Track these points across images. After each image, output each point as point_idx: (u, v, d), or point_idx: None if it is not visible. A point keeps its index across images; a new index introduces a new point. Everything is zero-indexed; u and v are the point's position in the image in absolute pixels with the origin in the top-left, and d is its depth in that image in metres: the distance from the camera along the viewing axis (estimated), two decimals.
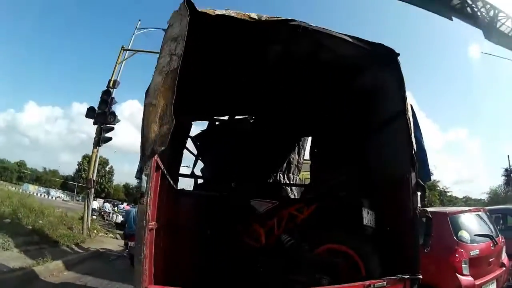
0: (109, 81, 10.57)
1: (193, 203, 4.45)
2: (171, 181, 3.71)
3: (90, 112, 10.03)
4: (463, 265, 4.05)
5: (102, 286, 5.65)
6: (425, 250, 2.72)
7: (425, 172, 3.05)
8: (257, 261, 3.53)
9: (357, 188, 3.28)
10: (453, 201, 35.63)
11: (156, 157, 2.29)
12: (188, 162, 5.84)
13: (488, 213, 5.20)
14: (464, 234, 4.34)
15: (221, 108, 5.22)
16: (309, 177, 5.70)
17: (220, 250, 4.17)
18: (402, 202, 2.85)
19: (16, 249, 6.21)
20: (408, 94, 2.98)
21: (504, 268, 4.76)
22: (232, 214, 4.12)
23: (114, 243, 11.29)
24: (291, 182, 5.91)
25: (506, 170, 31.84)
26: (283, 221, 3.65)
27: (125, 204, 32.34)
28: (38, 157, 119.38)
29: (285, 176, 5.86)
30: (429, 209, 3.07)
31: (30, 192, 26.15)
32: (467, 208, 5.29)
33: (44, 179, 62.81)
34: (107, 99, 9.98)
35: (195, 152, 5.63)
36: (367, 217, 2.96)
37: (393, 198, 3.02)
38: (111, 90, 10.36)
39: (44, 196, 38.80)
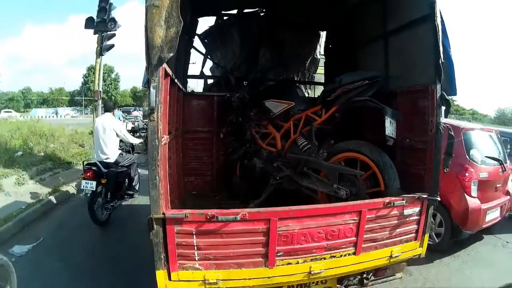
0: None
1: (204, 106, 4.36)
2: (180, 85, 3.53)
3: (89, 22, 9.60)
4: (472, 186, 3.98)
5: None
6: (444, 171, 2.59)
7: (451, 85, 2.80)
8: (273, 168, 3.40)
9: (378, 94, 2.92)
10: (460, 111, 34.55)
11: (164, 65, 2.09)
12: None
13: (499, 135, 4.91)
14: (475, 154, 4.18)
15: (229, 0, 4.81)
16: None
17: (233, 154, 4.12)
18: (424, 115, 2.70)
19: (32, 181, 6.40)
20: None
21: (509, 197, 4.72)
22: (244, 116, 3.93)
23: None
24: (308, 80, 5.61)
25: None
26: (300, 124, 3.36)
27: (134, 110, 33.26)
28: (44, 79, 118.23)
29: (301, 73, 5.51)
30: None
31: (39, 116, 26.16)
32: (480, 126, 5.03)
33: (51, 99, 62.88)
34: (105, 5, 9.45)
35: (203, 51, 5.31)
36: (390, 127, 2.68)
37: (415, 110, 2.86)
38: None
39: (53, 116, 39.33)
